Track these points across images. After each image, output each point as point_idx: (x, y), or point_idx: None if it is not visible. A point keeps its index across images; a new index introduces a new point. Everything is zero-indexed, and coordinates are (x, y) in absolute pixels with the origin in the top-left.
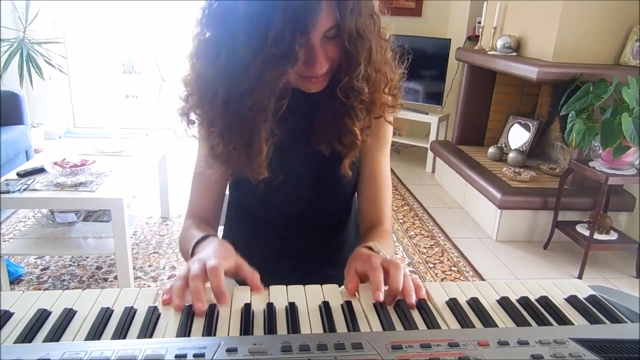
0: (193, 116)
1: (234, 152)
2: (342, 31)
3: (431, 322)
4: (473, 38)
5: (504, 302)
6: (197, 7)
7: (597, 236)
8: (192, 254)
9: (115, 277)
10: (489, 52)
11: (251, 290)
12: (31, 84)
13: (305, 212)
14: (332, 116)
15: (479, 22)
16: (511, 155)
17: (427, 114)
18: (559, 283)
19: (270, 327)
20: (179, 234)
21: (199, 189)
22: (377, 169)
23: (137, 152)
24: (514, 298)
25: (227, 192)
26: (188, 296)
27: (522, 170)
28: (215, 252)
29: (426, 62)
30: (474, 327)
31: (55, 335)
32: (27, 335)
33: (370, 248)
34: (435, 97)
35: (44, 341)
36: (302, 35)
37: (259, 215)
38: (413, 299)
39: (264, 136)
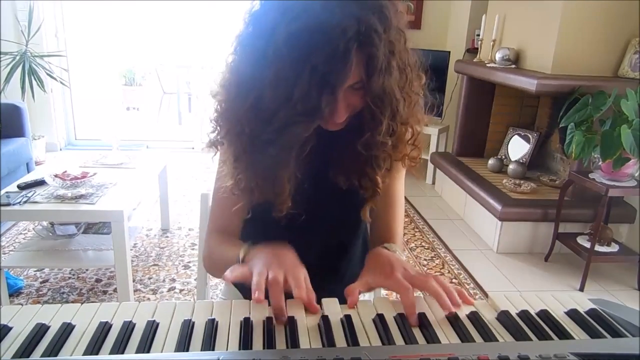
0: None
1: (257, 189)
2: (368, 90)
3: (431, 337)
4: (472, 50)
5: (504, 316)
6: (201, 17)
7: (598, 248)
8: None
9: (115, 290)
10: (488, 65)
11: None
12: (33, 96)
13: (318, 236)
14: (353, 160)
15: (478, 35)
16: (511, 166)
17: (426, 125)
18: (559, 296)
19: (269, 341)
20: (178, 246)
21: (223, 205)
22: (391, 188)
23: (138, 164)
24: (513, 312)
25: None
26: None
27: (522, 181)
28: (292, 259)
29: (426, 74)
30: (474, 341)
31: (54, 350)
32: (25, 350)
33: (386, 249)
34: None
35: (41, 356)
36: (329, 95)
37: (268, 231)
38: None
39: (287, 176)
